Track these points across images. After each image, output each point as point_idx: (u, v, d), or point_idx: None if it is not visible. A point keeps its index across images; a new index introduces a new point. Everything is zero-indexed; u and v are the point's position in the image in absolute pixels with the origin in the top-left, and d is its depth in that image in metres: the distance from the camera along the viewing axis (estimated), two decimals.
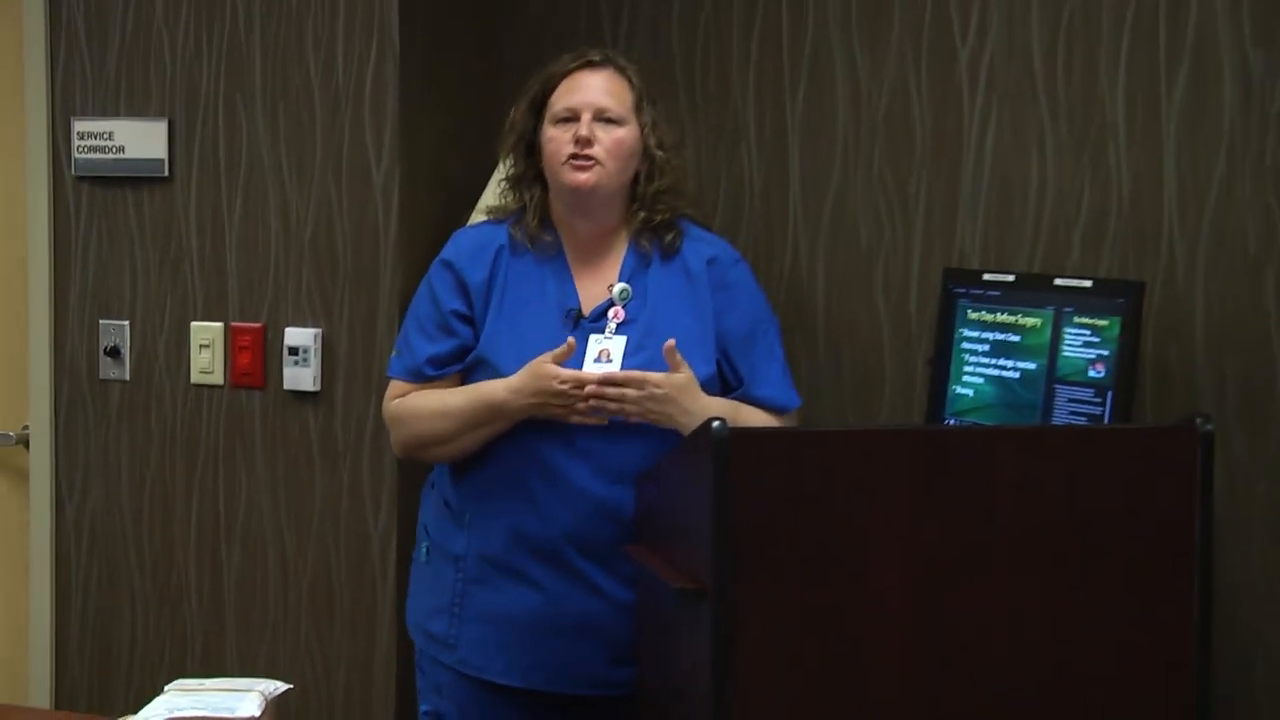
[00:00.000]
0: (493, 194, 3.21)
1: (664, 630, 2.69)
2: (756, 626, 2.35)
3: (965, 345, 3.27)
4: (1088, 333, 3.09)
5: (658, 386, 2.76)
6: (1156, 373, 3.32)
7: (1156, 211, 3.33)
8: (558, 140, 2.90)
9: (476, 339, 2.91)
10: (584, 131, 2.87)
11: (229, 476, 3.58)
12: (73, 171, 3.64)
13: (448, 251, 2.99)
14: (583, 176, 2.87)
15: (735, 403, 2.93)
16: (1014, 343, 3.19)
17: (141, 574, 3.66)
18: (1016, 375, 3.18)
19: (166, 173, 3.59)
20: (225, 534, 3.60)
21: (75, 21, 3.63)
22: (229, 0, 3.53)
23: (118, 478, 3.66)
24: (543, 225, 2.95)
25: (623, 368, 2.84)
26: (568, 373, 2.76)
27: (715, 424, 2.35)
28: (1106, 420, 3.02)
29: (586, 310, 2.92)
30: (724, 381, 2.96)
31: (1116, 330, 3.04)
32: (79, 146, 3.63)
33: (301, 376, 3.48)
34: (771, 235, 3.66)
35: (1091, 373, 3.07)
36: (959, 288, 3.30)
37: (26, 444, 3.76)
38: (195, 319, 3.59)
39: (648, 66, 3.70)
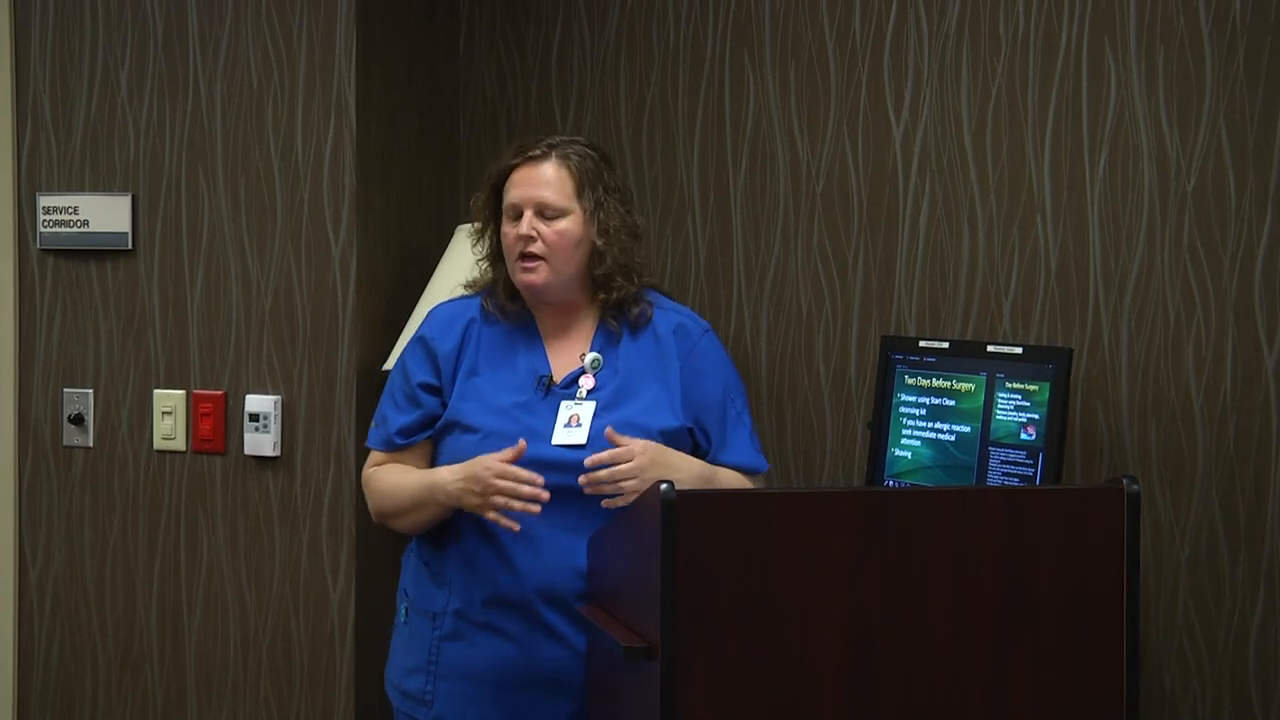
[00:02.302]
0: (461, 267, 3.29)
1: (613, 688, 2.74)
2: (702, 683, 2.40)
3: (903, 409, 3.37)
4: (1019, 397, 3.18)
5: (643, 452, 2.81)
6: (1085, 436, 3.44)
7: (1083, 282, 3.46)
8: (509, 237, 2.96)
9: (444, 407, 2.98)
10: (525, 229, 2.92)
11: (190, 540, 3.65)
12: (38, 245, 3.72)
13: (423, 327, 3.06)
14: (530, 277, 2.94)
15: (712, 465, 3.00)
16: (949, 407, 3.29)
17: (104, 637, 3.71)
18: (952, 438, 3.28)
19: (130, 245, 3.67)
20: (187, 597, 3.66)
21: (41, 99, 3.71)
22: (191, 79, 3.63)
23: (81, 542, 3.72)
24: (512, 298, 3.02)
25: (591, 432, 2.90)
26: (501, 465, 2.79)
27: (663, 486, 2.40)
28: (1038, 481, 3.11)
29: (558, 377, 2.97)
30: (695, 445, 3.02)
31: (1046, 395, 3.13)
32: (44, 221, 3.71)
33: (262, 442, 3.57)
34: (716, 303, 3.77)
35: (1023, 435, 3.16)
36: (896, 354, 3.40)
37: None
38: (158, 386, 3.67)
39: (596, 142, 3.84)
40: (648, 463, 2.81)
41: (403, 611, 3.04)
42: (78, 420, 3.71)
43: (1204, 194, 3.37)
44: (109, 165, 3.68)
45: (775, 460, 3.72)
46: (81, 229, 3.69)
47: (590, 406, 2.92)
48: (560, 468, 2.86)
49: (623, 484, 2.80)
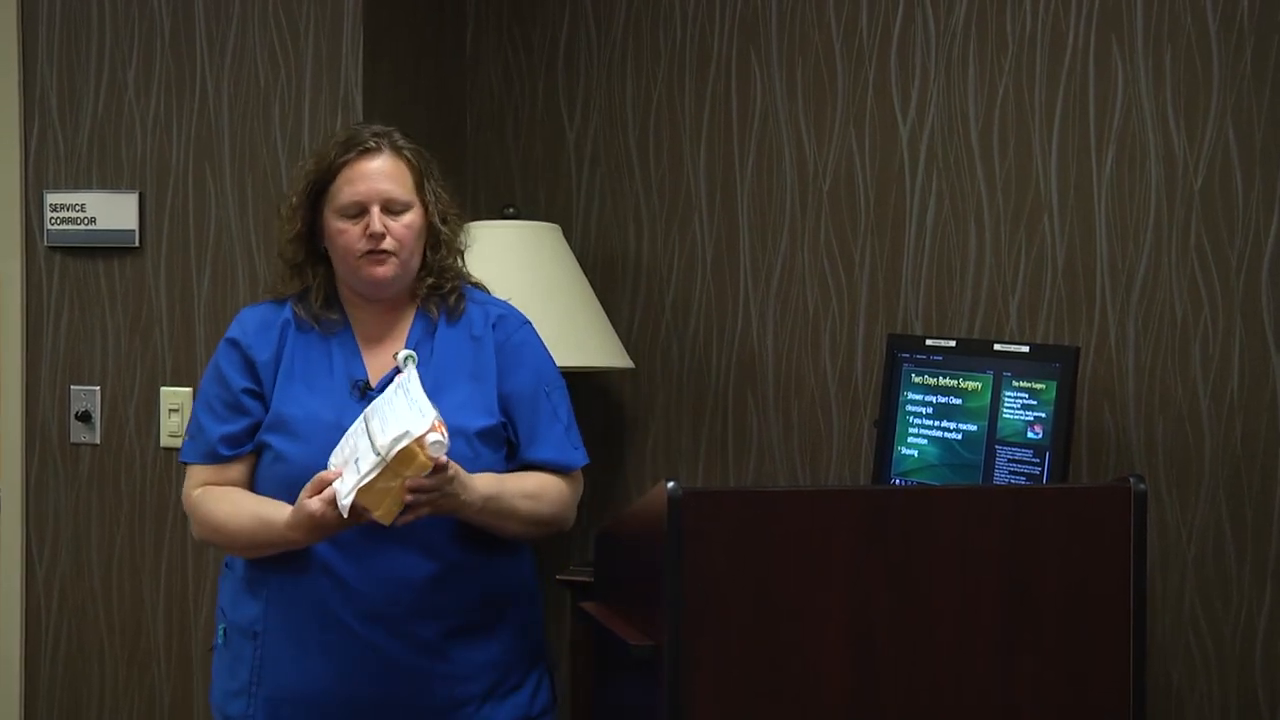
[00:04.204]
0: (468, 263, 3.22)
1: (619, 687, 2.76)
2: (709, 681, 2.40)
3: (910, 408, 3.37)
4: (1026, 396, 3.17)
5: (455, 474, 2.64)
6: (1091, 434, 3.44)
7: (1090, 281, 3.46)
8: (349, 234, 2.80)
9: (267, 411, 2.84)
10: (376, 226, 2.77)
11: None
12: (45, 242, 3.73)
13: (233, 330, 2.91)
14: (380, 270, 2.80)
15: (500, 475, 2.82)
16: (956, 405, 3.29)
17: (111, 635, 3.72)
18: (959, 436, 3.28)
19: (137, 243, 3.68)
20: (193, 594, 3.67)
21: (48, 97, 3.72)
22: (198, 76, 3.64)
23: (88, 539, 3.73)
24: (327, 304, 2.89)
25: None
26: (320, 506, 2.62)
27: (669, 485, 2.40)
28: (1044, 480, 3.10)
29: (374, 380, 2.83)
30: (508, 441, 2.88)
31: (1053, 393, 3.13)
32: (51, 218, 3.72)
33: None
34: (723, 301, 3.78)
35: (1030, 434, 3.15)
36: (903, 353, 3.41)
37: None
38: (165, 384, 3.68)
39: (603, 141, 3.86)
40: (446, 491, 2.63)
41: (220, 633, 2.89)
42: (85, 418, 3.71)
43: (1211, 194, 3.37)
44: (116, 163, 3.69)
45: (782, 459, 3.72)
46: (89, 226, 3.70)
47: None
48: None
49: (439, 502, 2.63)
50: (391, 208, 2.80)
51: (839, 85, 3.67)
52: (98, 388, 3.72)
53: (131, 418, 3.70)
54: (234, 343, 2.88)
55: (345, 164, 2.82)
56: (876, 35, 3.64)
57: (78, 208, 3.70)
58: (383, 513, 2.55)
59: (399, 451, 2.51)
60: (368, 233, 2.78)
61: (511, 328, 2.92)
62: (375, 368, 2.85)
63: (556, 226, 3.79)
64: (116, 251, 3.70)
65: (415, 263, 2.85)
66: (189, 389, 3.65)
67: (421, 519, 2.62)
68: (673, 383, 3.86)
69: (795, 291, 3.72)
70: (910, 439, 3.36)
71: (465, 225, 2.96)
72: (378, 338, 2.87)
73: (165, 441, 3.67)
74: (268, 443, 2.80)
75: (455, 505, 2.66)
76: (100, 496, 3.72)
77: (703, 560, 2.40)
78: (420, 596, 2.74)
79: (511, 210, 3.76)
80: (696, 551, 2.40)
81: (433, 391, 2.72)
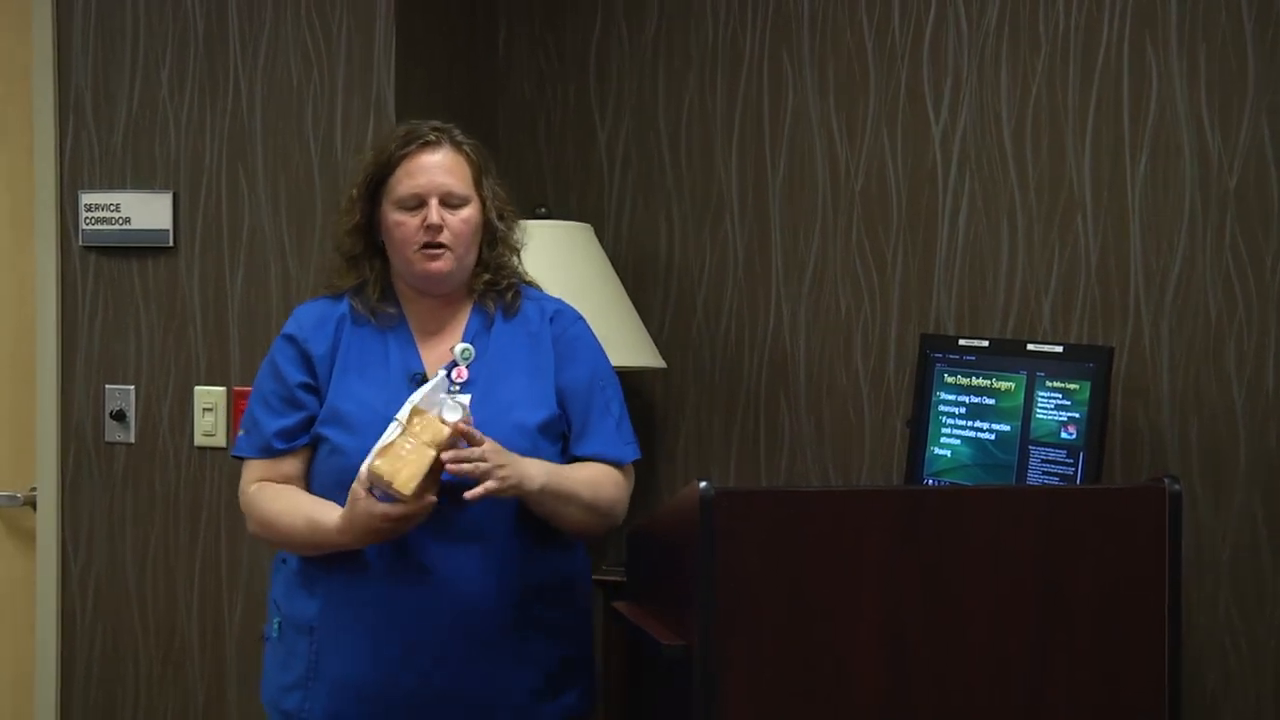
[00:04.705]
0: None
1: (651, 687, 2.76)
2: (741, 681, 2.40)
3: (942, 408, 3.37)
4: (1059, 396, 3.16)
5: (495, 451, 2.66)
6: (1125, 435, 3.43)
7: (1123, 281, 3.45)
8: (407, 226, 2.81)
9: (322, 406, 2.85)
10: (434, 219, 2.79)
11: (231, 536, 3.67)
12: (80, 242, 3.75)
13: (289, 326, 2.93)
14: (436, 265, 2.81)
15: (554, 465, 2.82)
16: (989, 405, 3.28)
17: (145, 633, 3.73)
18: (992, 437, 3.27)
19: (171, 243, 3.69)
20: (227, 593, 3.68)
21: (83, 98, 3.74)
22: (232, 77, 3.65)
23: (122, 538, 3.74)
24: (384, 297, 2.90)
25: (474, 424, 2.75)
26: (385, 509, 2.63)
27: (702, 484, 2.40)
28: (1078, 480, 3.10)
29: (430, 374, 2.82)
30: (563, 434, 2.89)
31: (1087, 394, 3.12)
32: (86, 218, 3.73)
33: None
34: (755, 301, 3.78)
35: (1063, 434, 3.14)
36: (936, 353, 3.40)
37: (33, 505, 3.83)
38: (199, 383, 3.69)
39: (635, 142, 3.86)
40: (499, 452, 2.67)
41: (274, 626, 2.90)
42: (119, 417, 3.73)
43: (1245, 192, 3.35)
44: (150, 163, 3.71)
45: (814, 459, 3.72)
46: (123, 226, 3.71)
47: (465, 400, 2.76)
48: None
49: (480, 466, 2.63)
50: (449, 201, 2.82)
51: (871, 85, 3.67)
52: (132, 387, 3.73)
53: (165, 417, 3.71)
54: (290, 338, 2.89)
55: (405, 156, 2.83)
56: (909, 35, 3.63)
57: (112, 208, 3.72)
58: (401, 481, 2.57)
59: (411, 411, 2.59)
60: (425, 225, 2.79)
61: (567, 322, 2.93)
62: (432, 361, 2.86)
63: (588, 226, 3.79)
64: (150, 251, 3.71)
65: (471, 259, 2.87)
66: (222, 388, 3.66)
67: (483, 503, 2.64)
68: (704, 382, 3.85)
69: (827, 291, 3.72)
70: (943, 439, 3.35)
71: (521, 224, 2.97)
72: (434, 331, 2.88)
73: (199, 441, 3.68)
74: (324, 436, 2.82)
75: (514, 484, 2.67)
76: (134, 496, 3.73)
77: (735, 560, 2.41)
78: (478, 591, 2.75)
79: (543, 210, 3.77)
80: (729, 551, 2.40)
81: (490, 385, 2.77)
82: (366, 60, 3.56)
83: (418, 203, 2.81)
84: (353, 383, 2.83)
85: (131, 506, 3.74)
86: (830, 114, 3.71)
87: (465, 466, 2.62)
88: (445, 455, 2.60)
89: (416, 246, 2.81)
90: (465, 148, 2.87)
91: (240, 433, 2.93)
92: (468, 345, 2.78)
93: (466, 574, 2.74)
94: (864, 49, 3.68)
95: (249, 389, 3.57)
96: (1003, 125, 3.55)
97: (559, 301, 2.98)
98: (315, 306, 2.94)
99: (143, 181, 3.72)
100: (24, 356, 3.85)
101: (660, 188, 3.88)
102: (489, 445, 2.65)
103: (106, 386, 3.75)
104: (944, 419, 3.36)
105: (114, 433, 3.75)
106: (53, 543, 3.77)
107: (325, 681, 2.80)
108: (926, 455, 3.38)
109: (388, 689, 2.76)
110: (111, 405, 3.74)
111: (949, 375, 3.36)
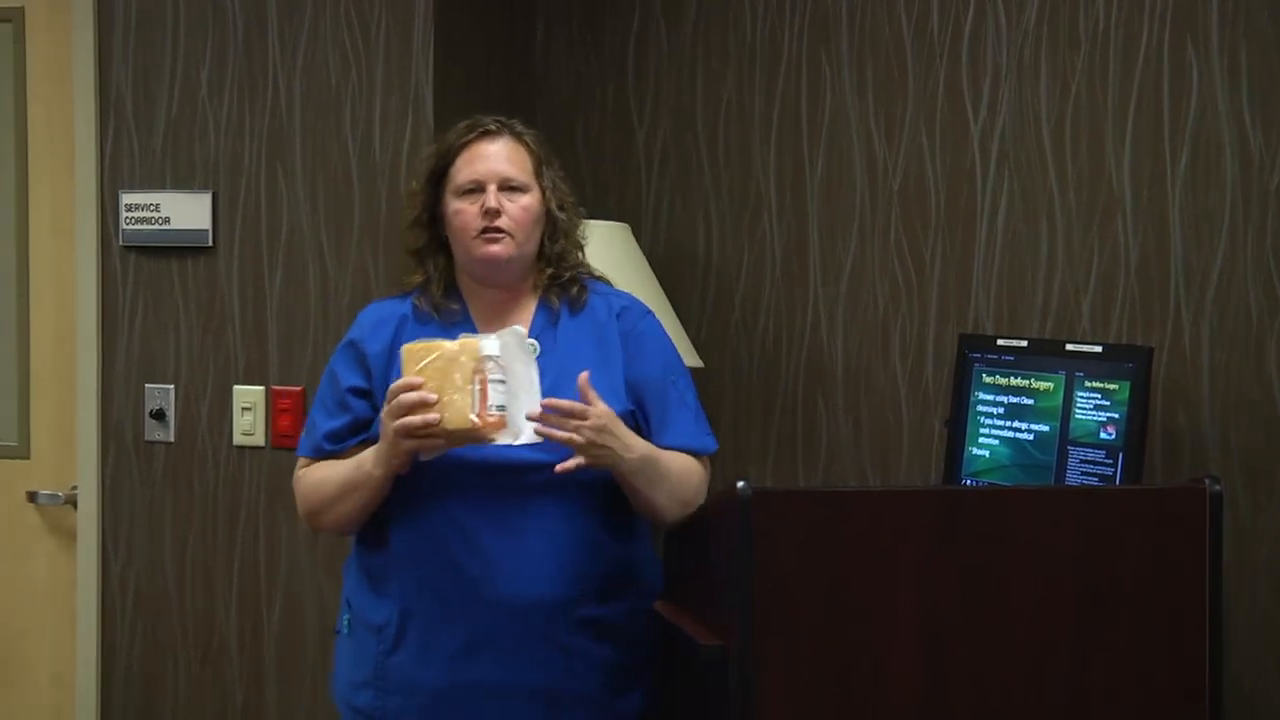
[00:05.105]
0: None
1: (688, 687, 2.75)
2: (779, 682, 2.39)
3: (981, 408, 3.36)
4: (1099, 396, 3.16)
5: (598, 416, 2.66)
6: (1165, 435, 3.42)
7: (1163, 280, 3.43)
8: (466, 213, 2.82)
9: (375, 409, 2.83)
10: (492, 203, 2.80)
11: (270, 535, 3.68)
12: (120, 242, 3.76)
13: (351, 331, 2.96)
14: (495, 249, 2.81)
15: (656, 448, 2.83)
16: (1028, 406, 3.27)
17: (184, 632, 3.74)
18: (1030, 437, 3.26)
19: (210, 243, 3.70)
20: (266, 592, 3.69)
21: (124, 98, 3.76)
22: (271, 78, 3.66)
23: (162, 537, 3.76)
24: (447, 294, 2.91)
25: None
26: (396, 383, 2.66)
27: (740, 484, 2.40)
28: (1118, 481, 3.09)
29: None
30: (637, 429, 2.86)
31: (1127, 394, 3.11)
32: (126, 218, 3.75)
33: None
34: (792, 301, 3.77)
35: (1103, 435, 3.14)
36: (974, 353, 3.39)
37: (74, 504, 3.85)
38: (237, 383, 3.70)
39: (673, 141, 3.86)
40: (601, 427, 2.66)
41: (344, 622, 2.92)
42: (159, 416, 3.74)
43: None
44: (190, 163, 3.72)
45: (850, 458, 3.72)
46: (163, 226, 3.73)
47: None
48: (507, 469, 2.74)
49: (574, 437, 2.64)
50: (509, 185, 2.83)
51: (910, 83, 3.66)
52: (171, 386, 3.74)
53: (204, 416, 3.72)
54: (350, 343, 2.93)
55: (465, 145, 2.87)
56: (948, 33, 3.62)
57: (152, 207, 3.73)
58: (434, 388, 2.60)
59: (461, 338, 2.63)
60: (484, 210, 2.80)
61: (635, 317, 2.94)
62: None
63: (626, 226, 3.79)
64: (190, 251, 3.73)
65: (531, 247, 2.87)
66: (261, 388, 3.67)
67: (556, 494, 2.68)
68: (742, 382, 3.85)
69: (865, 291, 3.71)
70: (981, 439, 3.35)
71: (584, 219, 2.98)
72: (498, 326, 2.86)
73: (238, 440, 3.69)
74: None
75: (614, 458, 2.69)
76: (174, 495, 3.75)
77: (773, 560, 2.40)
78: (551, 588, 2.75)
79: (581, 209, 3.76)
80: (766, 551, 2.40)
81: (557, 379, 2.75)
82: (405, 60, 3.57)
83: (476, 187, 2.83)
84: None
85: (171, 506, 3.75)
86: (869, 113, 3.70)
87: (559, 433, 2.63)
88: (551, 400, 2.63)
89: (476, 232, 2.82)
90: (526, 138, 2.90)
91: (303, 432, 2.98)
92: (533, 340, 2.78)
93: (535, 570, 2.75)
94: (903, 47, 3.67)
95: (287, 388, 3.63)
96: (1042, 124, 3.54)
97: (627, 296, 3.00)
98: (379, 307, 2.98)
99: (182, 182, 3.73)
100: (65, 356, 3.87)
101: (698, 187, 3.88)
102: (597, 411, 2.66)
103: (146, 386, 3.76)
104: (982, 419, 3.35)
105: (154, 432, 3.76)
106: (93, 542, 3.79)
107: (395, 679, 2.82)
108: (965, 456, 3.37)
109: (457, 685, 2.78)
110: (151, 404, 3.76)
111: (987, 375, 3.35)
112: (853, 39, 3.71)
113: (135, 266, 3.76)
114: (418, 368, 2.63)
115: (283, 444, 3.65)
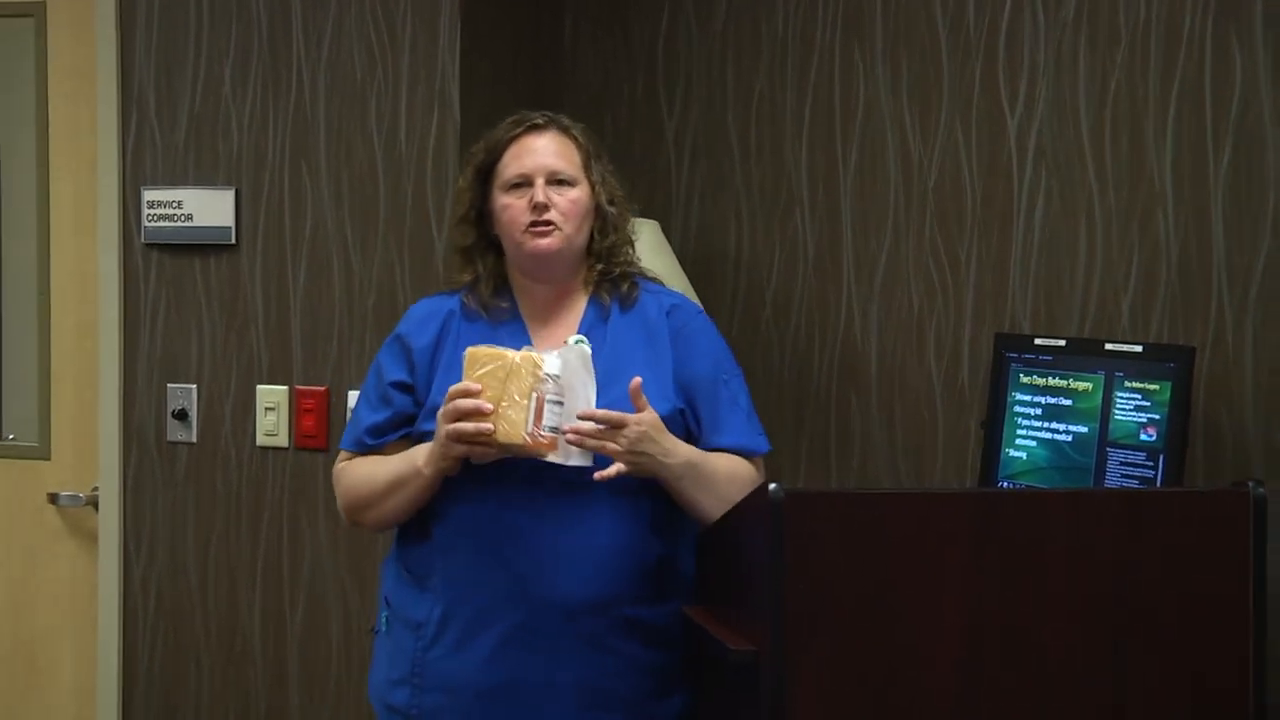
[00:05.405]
0: None
1: (718, 691, 2.71)
2: (810, 687, 2.36)
3: (1018, 409, 3.30)
4: (1139, 397, 3.11)
5: (637, 424, 2.66)
6: (1207, 437, 3.36)
7: (1205, 278, 3.37)
8: (514, 208, 2.81)
9: (418, 405, 2.84)
10: (540, 197, 2.78)
11: (293, 536, 3.65)
12: (142, 239, 3.73)
13: (400, 325, 2.95)
14: (544, 242, 2.79)
15: (703, 451, 2.82)
16: (1066, 406, 3.22)
17: (207, 634, 3.72)
18: (1069, 438, 3.21)
19: (233, 240, 3.67)
20: (289, 593, 3.65)
21: (146, 94, 3.72)
22: (295, 72, 3.62)
23: (184, 538, 3.72)
24: (497, 292, 2.89)
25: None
26: (455, 387, 2.66)
27: (772, 486, 2.36)
28: (1158, 483, 3.04)
29: None
30: (687, 429, 2.85)
31: (1168, 394, 3.06)
32: (149, 215, 3.72)
33: None
34: (825, 299, 3.72)
35: (1143, 436, 3.09)
36: (1011, 352, 3.34)
37: (95, 505, 3.83)
38: (261, 382, 3.67)
39: (703, 136, 3.81)
40: (639, 436, 2.65)
41: (383, 620, 2.90)
42: (181, 416, 3.71)
43: None
44: (213, 159, 3.69)
45: (885, 459, 3.67)
46: (185, 223, 3.69)
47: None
48: (554, 466, 2.69)
49: (609, 446, 2.63)
50: (557, 179, 2.81)
51: (945, 78, 3.60)
52: (194, 386, 3.71)
53: (228, 416, 3.69)
54: (397, 337, 2.92)
55: (512, 140, 2.85)
56: (984, 27, 3.57)
57: (175, 204, 3.70)
58: (492, 397, 2.58)
59: (524, 351, 2.62)
60: (532, 204, 2.79)
61: (687, 315, 2.91)
62: None
63: (656, 223, 3.75)
64: (213, 248, 3.69)
65: (580, 241, 2.85)
66: (284, 387, 3.64)
67: (616, 481, 2.63)
68: (774, 381, 3.80)
69: (899, 289, 3.66)
70: (1018, 440, 3.29)
71: (630, 215, 2.95)
72: (548, 323, 2.86)
73: (261, 440, 3.66)
74: (427, 431, 2.78)
75: (654, 465, 2.67)
76: (196, 495, 3.72)
77: (805, 563, 2.36)
78: (595, 586, 2.73)
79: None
80: (799, 554, 2.35)
81: (607, 377, 2.73)
82: (431, 53, 3.52)
83: (524, 181, 2.81)
84: (457, 378, 2.75)
85: (193, 506, 3.72)
86: (903, 108, 3.65)
87: (591, 443, 2.63)
88: (571, 438, 2.62)
89: (524, 227, 2.80)
90: (574, 131, 2.89)
91: (347, 425, 2.98)
92: (582, 337, 2.77)
93: (579, 568, 2.73)
94: (937, 41, 3.61)
95: (311, 388, 3.59)
96: (1080, 119, 3.48)
97: (677, 295, 2.98)
98: (427, 303, 2.97)
99: (205, 178, 3.69)
100: (86, 356, 3.85)
101: (729, 183, 3.83)
102: (637, 418, 2.65)
103: (169, 385, 3.73)
104: (1019, 420, 3.30)
105: (176, 432, 3.73)
106: (115, 543, 3.76)
107: (432, 676, 2.79)
108: (1001, 457, 3.33)
109: (495, 683, 2.75)
110: (174, 404, 3.72)
111: (1024, 375, 3.30)
112: (887, 33, 3.65)
113: (158, 264, 3.73)
114: (477, 373, 2.62)
115: (306, 444, 3.62)
